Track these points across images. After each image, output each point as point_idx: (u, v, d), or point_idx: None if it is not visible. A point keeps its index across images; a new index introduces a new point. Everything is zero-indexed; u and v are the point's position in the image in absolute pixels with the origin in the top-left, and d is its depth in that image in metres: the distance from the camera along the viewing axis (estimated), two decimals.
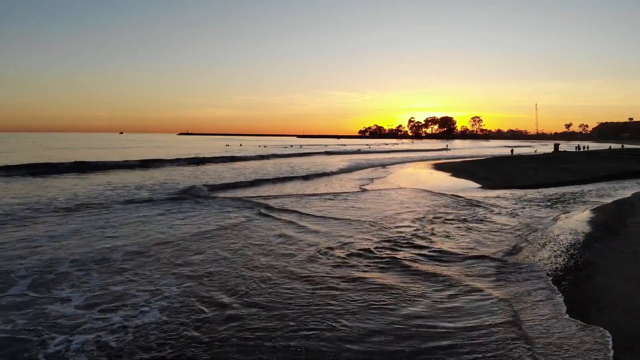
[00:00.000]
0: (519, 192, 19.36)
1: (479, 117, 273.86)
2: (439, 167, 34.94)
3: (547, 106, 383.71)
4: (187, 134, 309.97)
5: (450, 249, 9.62)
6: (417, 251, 9.50)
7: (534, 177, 24.92)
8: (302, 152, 53.57)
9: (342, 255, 9.20)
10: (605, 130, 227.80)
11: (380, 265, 8.50)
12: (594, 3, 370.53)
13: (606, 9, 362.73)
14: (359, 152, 66.66)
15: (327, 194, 18.87)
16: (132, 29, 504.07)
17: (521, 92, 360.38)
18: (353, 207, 15.52)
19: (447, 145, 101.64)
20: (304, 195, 18.48)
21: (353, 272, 8.11)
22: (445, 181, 24.58)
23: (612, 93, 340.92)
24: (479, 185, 21.88)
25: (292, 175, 26.33)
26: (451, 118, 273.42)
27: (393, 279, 7.74)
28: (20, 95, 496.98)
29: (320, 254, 9.28)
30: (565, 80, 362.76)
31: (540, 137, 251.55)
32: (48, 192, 17.73)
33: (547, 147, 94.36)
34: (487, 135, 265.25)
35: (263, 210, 14.28)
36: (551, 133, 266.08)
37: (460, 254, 9.21)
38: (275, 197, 17.75)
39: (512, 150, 49.52)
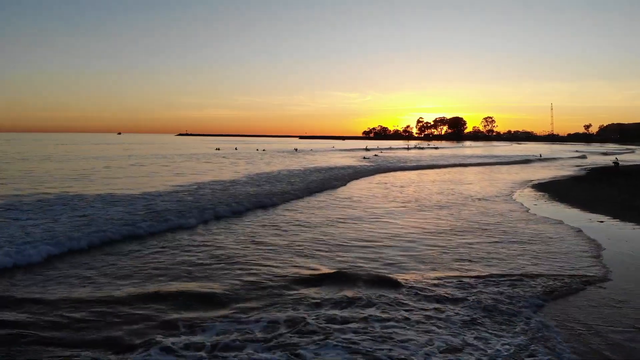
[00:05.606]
0: None
1: (491, 118, 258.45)
2: (560, 198, 19.90)
3: (548, 107, 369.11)
4: (187, 134, 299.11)
5: None
6: None
7: None
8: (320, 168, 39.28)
9: None
10: (611, 131, 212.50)
11: None
12: (591, 3, 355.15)
13: (602, 10, 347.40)
14: (376, 157, 52.70)
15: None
16: (131, 29, 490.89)
17: (523, 92, 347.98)
18: None
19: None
20: None
21: None
22: None
23: (616, 94, 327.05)
24: None
25: None
26: (461, 118, 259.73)
27: None
28: (18, 95, 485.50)
29: None
30: (567, 81, 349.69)
31: (554, 138, 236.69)
32: None
33: (608, 155, 78.25)
34: (498, 136, 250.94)
35: None
36: (566, 134, 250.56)
37: None
38: None
39: (616, 163, 35.48)
